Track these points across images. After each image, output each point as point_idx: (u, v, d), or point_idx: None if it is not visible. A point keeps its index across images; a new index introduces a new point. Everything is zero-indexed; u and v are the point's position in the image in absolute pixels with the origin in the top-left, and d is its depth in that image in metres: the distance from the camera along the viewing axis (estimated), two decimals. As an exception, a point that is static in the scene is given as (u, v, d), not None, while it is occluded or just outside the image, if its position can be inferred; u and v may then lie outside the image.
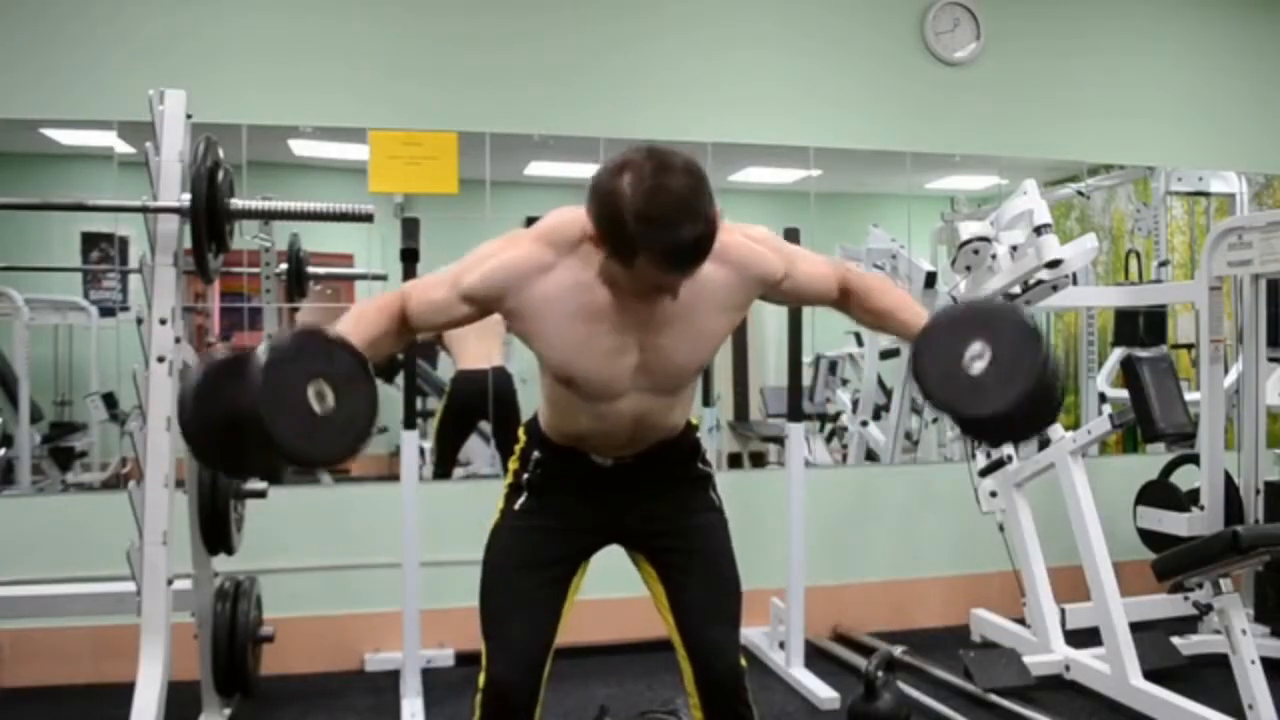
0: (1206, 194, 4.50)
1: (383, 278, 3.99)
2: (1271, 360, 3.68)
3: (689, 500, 1.92)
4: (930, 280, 4.15)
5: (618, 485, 1.86)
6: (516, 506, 1.88)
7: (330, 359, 1.50)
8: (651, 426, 1.81)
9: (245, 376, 1.44)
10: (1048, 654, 3.33)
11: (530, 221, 1.77)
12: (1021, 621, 3.57)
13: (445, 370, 4.21)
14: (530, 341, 1.70)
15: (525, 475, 1.89)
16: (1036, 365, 1.58)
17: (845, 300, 1.84)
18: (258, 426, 1.43)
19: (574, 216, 1.63)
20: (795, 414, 3.47)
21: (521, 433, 1.95)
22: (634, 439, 1.81)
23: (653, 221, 1.46)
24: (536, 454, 1.89)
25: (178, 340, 2.40)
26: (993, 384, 1.58)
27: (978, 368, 1.59)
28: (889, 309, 1.80)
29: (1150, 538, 3.56)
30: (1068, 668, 3.28)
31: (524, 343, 1.73)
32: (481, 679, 1.78)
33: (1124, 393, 3.58)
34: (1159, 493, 3.62)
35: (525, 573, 1.81)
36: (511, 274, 1.64)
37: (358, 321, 1.64)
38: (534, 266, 1.65)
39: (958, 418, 1.68)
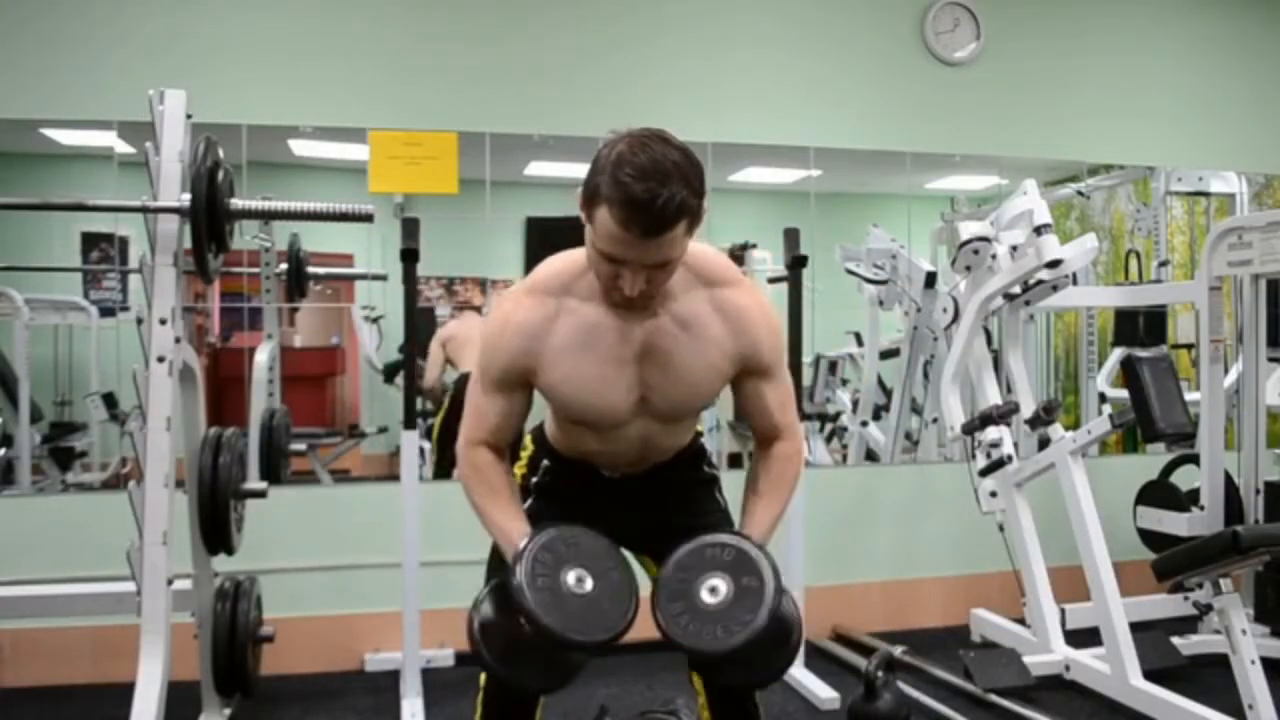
0: (1206, 194, 4.50)
1: (383, 278, 4.00)
2: (1271, 360, 3.68)
3: (695, 503, 1.92)
4: (930, 280, 4.16)
5: (625, 494, 1.87)
6: (523, 510, 1.88)
7: (573, 544, 1.62)
8: (657, 447, 1.82)
9: (512, 601, 1.55)
10: (1048, 654, 3.33)
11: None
12: (1021, 621, 3.57)
13: (446, 372, 4.22)
14: (549, 390, 1.71)
15: (534, 479, 1.90)
16: (771, 604, 1.56)
17: (758, 445, 1.81)
18: (538, 631, 1.53)
19: (560, 261, 1.67)
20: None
21: (529, 440, 1.96)
22: (641, 457, 1.83)
23: (623, 169, 1.47)
24: (545, 462, 1.90)
25: (178, 340, 2.41)
26: (730, 619, 1.56)
27: (712, 602, 1.58)
28: (757, 495, 1.77)
29: (1150, 538, 3.56)
30: (1068, 668, 3.28)
31: (545, 395, 1.74)
32: (483, 679, 1.78)
33: (1124, 393, 3.58)
34: (1159, 493, 3.62)
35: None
36: (526, 338, 1.66)
37: (509, 493, 1.73)
38: (542, 318, 1.66)
39: (688, 651, 1.61)
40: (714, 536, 1.65)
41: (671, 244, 1.52)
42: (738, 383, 1.75)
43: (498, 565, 1.84)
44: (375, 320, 4.27)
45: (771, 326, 1.73)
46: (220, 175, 2.43)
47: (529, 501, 1.88)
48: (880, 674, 2.88)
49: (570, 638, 1.53)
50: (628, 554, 1.93)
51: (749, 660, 1.60)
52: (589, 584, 1.57)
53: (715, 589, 1.58)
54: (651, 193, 1.45)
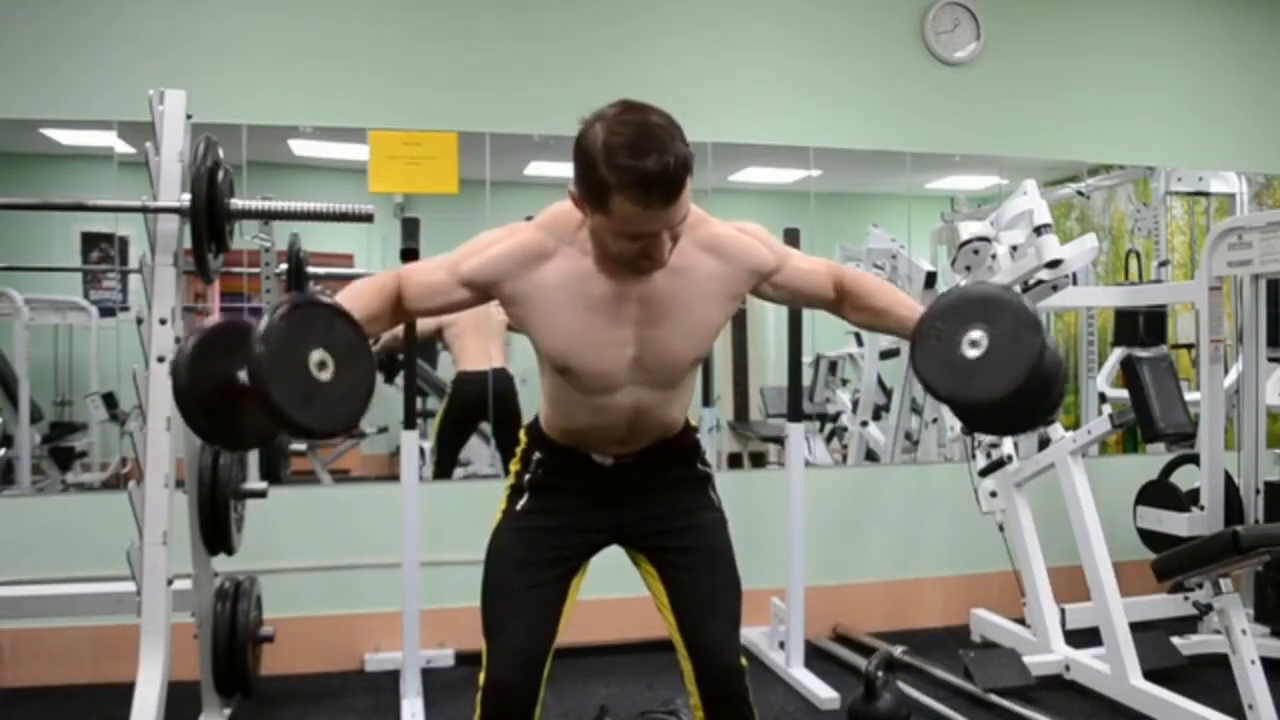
0: (1206, 194, 4.50)
1: (383, 278, 3.98)
2: (1271, 360, 3.68)
3: (689, 500, 1.92)
4: (930, 280, 4.15)
5: (618, 486, 1.86)
6: (518, 507, 1.88)
7: (331, 328, 1.48)
8: (650, 421, 1.81)
9: (244, 343, 1.40)
10: (1048, 654, 3.33)
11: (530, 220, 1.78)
12: (1021, 621, 3.57)
13: (445, 371, 4.21)
14: (527, 328, 1.72)
15: (527, 476, 1.89)
16: (1034, 351, 1.56)
17: (840, 300, 1.85)
18: (257, 394, 1.39)
19: (568, 207, 1.66)
20: (795, 414, 3.47)
21: (523, 435, 1.96)
22: (633, 434, 1.81)
23: (621, 152, 1.48)
24: (538, 455, 1.89)
25: (178, 340, 2.40)
26: (991, 369, 1.57)
27: (975, 354, 1.58)
28: (885, 307, 1.81)
29: (1150, 538, 3.56)
30: (1068, 668, 3.28)
31: (521, 329, 1.74)
32: (482, 679, 1.78)
33: (1124, 393, 3.58)
34: (1159, 493, 3.62)
35: (526, 573, 1.81)
36: (512, 259, 1.66)
37: (355, 297, 1.63)
38: (534, 253, 1.67)
39: (956, 405, 1.66)
40: (967, 289, 1.67)
41: (687, 198, 1.55)
42: (768, 291, 1.79)
43: (497, 562, 1.84)
44: (375, 320, 4.26)
45: (756, 235, 1.77)
46: (220, 175, 2.43)
47: (524, 499, 1.88)
48: (880, 674, 2.88)
49: (289, 415, 1.40)
50: (628, 553, 1.94)
51: (1028, 398, 1.60)
52: (329, 373, 1.45)
53: (976, 341, 1.59)
54: (659, 164, 1.47)
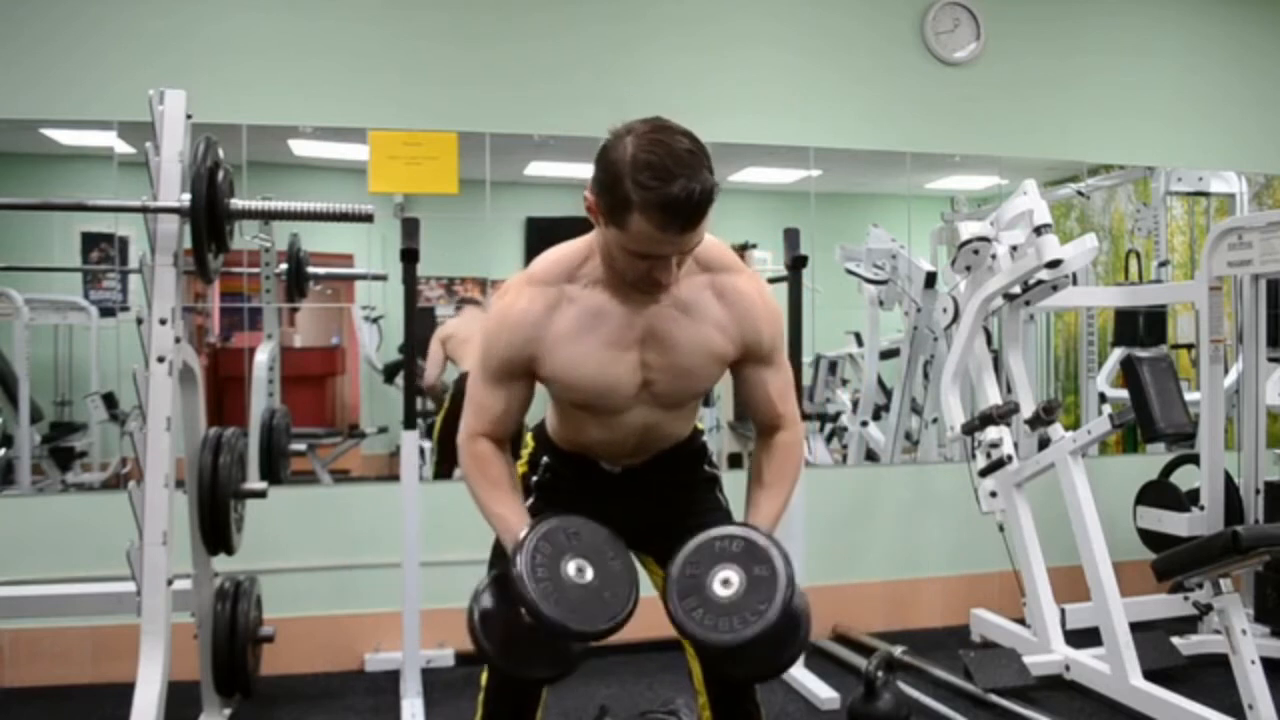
0: (1206, 194, 4.50)
1: (383, 278, 4.00)
2: (1271, 360, 3.68)
3: (696, 502, 1.92)
4: (930, 280, 4.16)
5: (626, 490, 1.86)
6: (523, 502, 1.88)
7: (575, 534, 1.62)
8: (658, 435, 1.82)
9: (512, 588, 1.55)
10: (1048, 654, 3.33)
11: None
12: (1021, 621, 3.57)
13: (447, 371, 4.22)
14: (551, 379, 1.71)
15: (534, 478, 1.90)
16: (784, 593, 1.56)
17: (759, 434, 1.82)
18: (539, 624, 1.54)
19: (559, 252, 1.69)
20: (795, 414, 3.46)
21: (529, 438, 1.96)
22: (641, 447, 1.82)
23: (648, 172, 1.47)
24: (545, 459, 1.90)
25: (178, 340, 2.41)
26: (742, 612, 1.56)
27: (725, 595, 1.57)
28: (763, 486, 1.77)
29: (1150, 538, 3.56)
30: (1068, 668, 3.28)
31: (548, 385, 1.74)
32: (484, 678, 1.78)
33: (1124, 393, 3.58)
34: (1159, 493, 3.62)
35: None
36: (530, 326, 1.66)
37: (509, 486, 1.73)
38: (544, 308, 1.66)
39: (704, 645, 1.61)
40: (721, 529, 1.65)
41: (704, 227, 1.55)
42: (738, 369, 1.76)
43: (499, 561, 1.84)
44: (375, 320, 4.27)
45: (772, 313, 1.74)
46: (220, 175, 2.43)
47: (530, 500, 1.88)
48: (880, 674, 2.88)
49: (570, 627, 1.53)
50: (635, 554, 1.94)
51: (763, 651, 1.60)
52: (589, 574, 1.57)
53: (728, 581, 1.58)
54: (685, 190, 1.47)
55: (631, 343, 1.67)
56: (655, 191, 1.47)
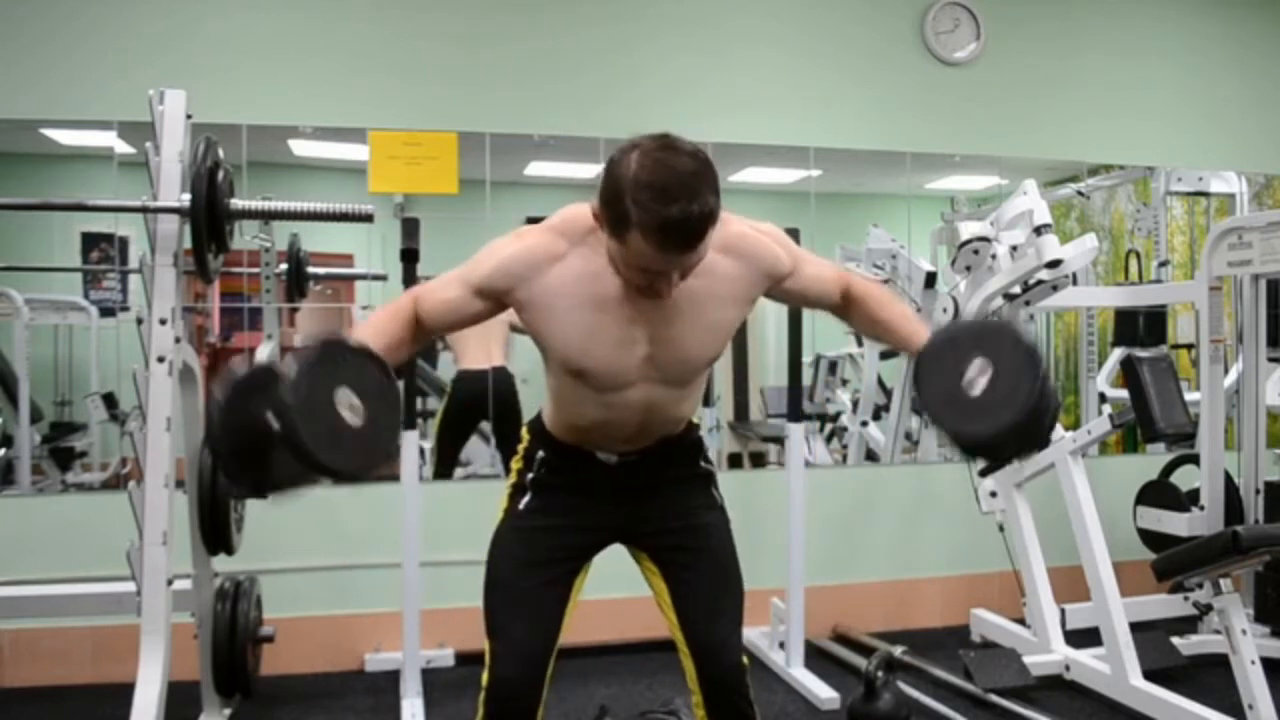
0: (1206, 194, 4.50)
1: (383, 278, 3.99)
2: (1271, 360, 3.68)
3: (692, 499, 1.92)
4: (930, 280, 4.15)
5: (622, 484, 1.86)
6: (520, 506, 1.88)
7: (360, 370, 1.49)
8: (660, 418, 1.81)
9: (273, 389, 1.41)
10: (1048, 654, 3.33)
11: (530, 221, 1.77)
12: (1021, 621, 3.57)
13: (446, 370, 4.21)
14: (540, 332, 1.70)
15: (530, 475, 1.89)
16: (1036, 386, 1.57)
17: (847, 306, 1.85)
18: (289, 441, 1.40)
19: (585, 208, 1.65)
20: (795, 414, 3.47)
21: (525, 432, 1.95)
22: (642, 431, 1.81)
23: (648, 192, 1.47)
24: (541, 453, 1.89)
25: (178, 340, 2.41)
26: (993, 404, 1.58)
27: (979, 387, 1.59)
28: (890, 321, 1.81)
29: (1150, 538, 3.56)
30: (1068, 668, 3.28)
31: (533, 334, 1.72)
32: (485, 678, 1.78)
33: (1124, 393, 3.58)
34: (1159, 493, 3.62)
35: (529, 572, 1.81)
36: (523, 264, 1.65)
37: (376, 331, 1.65)
38: (545, 256, 1.65)
39: (958, 438, 1.65)
40: (970, 321, 1.68)
41: (705, 246, 1.55)
42: (780, 293, 1.79)
43: (498, 561, 1.84)
44: (375, 320, 4.26)
45: (773, 236, 1.77)
46: (220, 175, 2.43)
47: (526, 498, 1.87)
48: (880, 674, 2.89)
49: (321, 460, 1.43)
50: (630, 551, 1.94)
51: (1020, 432, 1.61)
52: (359, 418, 1.46)
53: (979, 373, 1.60)
54: (684, 212, 1.46)
55: (637, 317, 1.66)
56: (653, 213, 1.46)
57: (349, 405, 1.46)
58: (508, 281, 1.65)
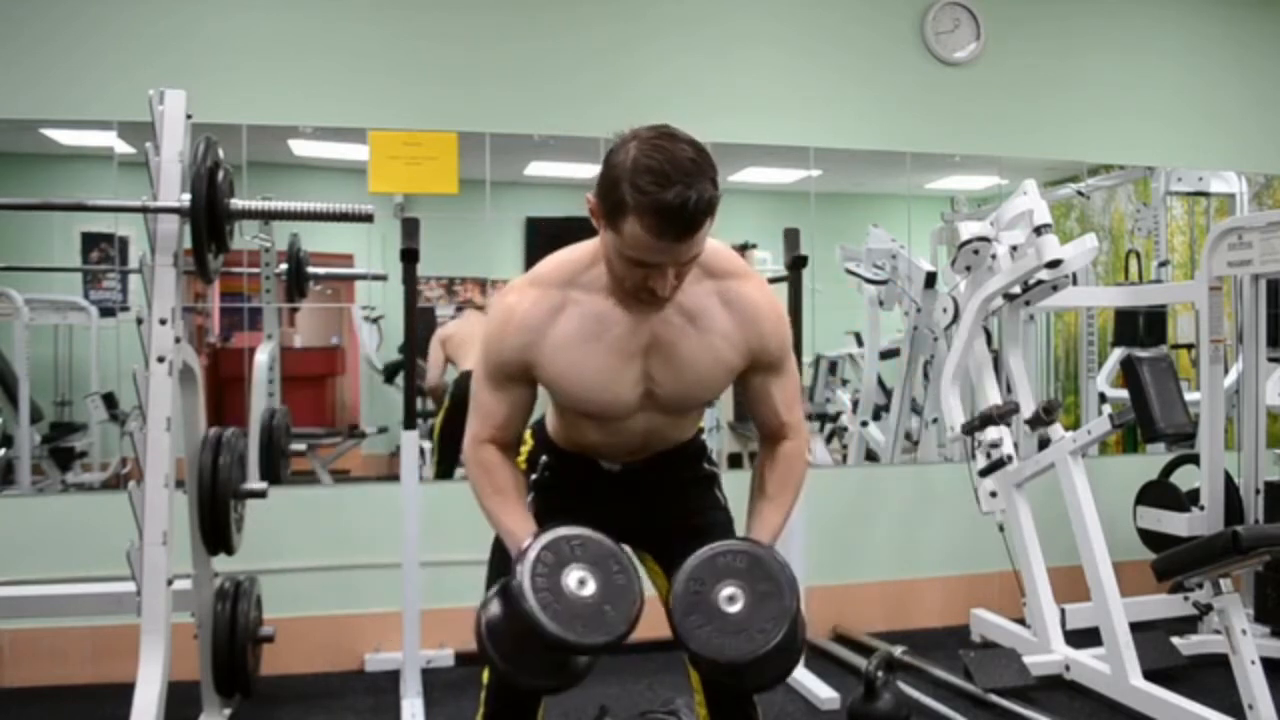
0: (1206, 194, 4.51)
1: (383, 278, 4.00)
2: (1271, 360, 3.68)
3: (695, 499, 1.92)
4: (930, 280, 4.16)
5: (625, 488, 1.86)
6: (529, 509, 1.88)
7: (581, 546, 1.59)
8: (661, 438, 1.82)
9: (515, 604, 1.52)
10: (1048, 654, 3.33)
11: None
12: (1021, 621, 3.57)
13: (446, 371, 4.22)
14: (552, 384, 1.70)
15: (533, 476, 1.89)
16: (789, 614, 1.57)
17: (765, 444, 1.81)
18: (546, 639, 1.51)
19: (564, 255, 1.67)
20: (795, 414, 3.46)
21: (528, 436, 1.95)
22: (643, 447, 1.82)
23: (646, 176, 1.46)
24: (544, 458, 1.89)
25: (178, 340, 2.41)
26: (751, 626, 1.56)
27: (733, 610, 1.57)
28: (763, 494, 1.76)
29: (1150, 538, 3.56)
30: (1068, 668, 3.28)
31: (548, 388, 1.72)
32: (486, 678, 1.78)
33: (1124, 393, 3.58)
34: (1159, 493, 3.62)
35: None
36: (528, 329, 1.64)
37: (514, 491, 1.72)
38: (546, 311, 1.65)
39: (710, 663, 1.61)
40: (724, 544, 1.64)
41: (701, 239, 1.53)
42: (744, 378, 1.74)
43: (499, 564, 1.84)
44: (375, 320, 4.27)
45: (779, 320, 1.73)
46: (220, 175, 2.44)
47: (529, 498, 1.87)
48: (880, 674, 2.88)
49: (567, 639, 1.52)
50: (629, 550, 1.94)
51: (766, 665, 1.60)
52: (591, 586, 1.56)
53: (733, 598, 1.57)
54: (680, 197, 1.45)
55: (635, 352, 1.66)
56: (651, 196, 1.45)
57: (580, 580, 1.56)
58: (526, 354, 1.65)
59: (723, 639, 1.55)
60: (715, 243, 1.69)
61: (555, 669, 1.66)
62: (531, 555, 1.55)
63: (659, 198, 1.45)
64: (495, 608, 1.63)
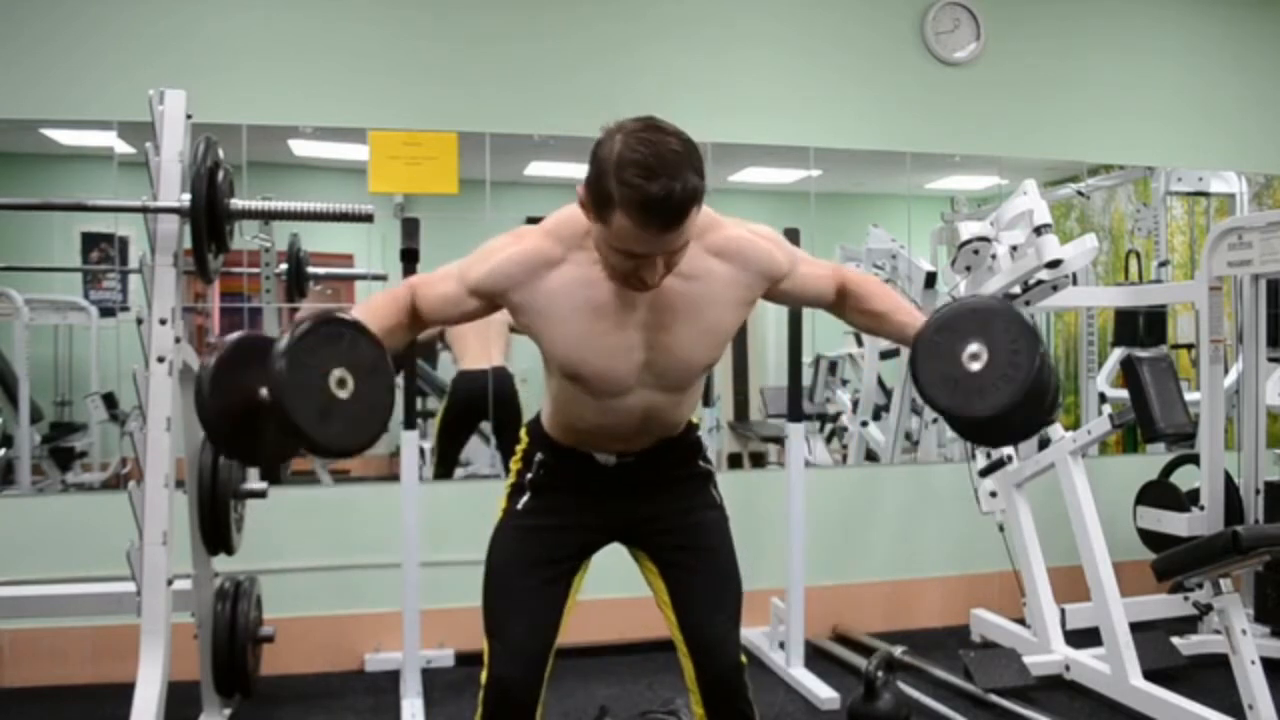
0: (1206, 194, 4.50)
1: (383, 278, 3.99)
2: (1271, 360, 3.68)
3: (691, 498, 1.92)
4: (930, 280, 4.15)
5: (620, 484, 1.86)
6: (519, 506, 1.88)
7: (354, 346, 1.49)
8: (658, 422, 1.81)
9: (266, 360, 1.41)
10: (1048, 654, 3.33)
11: (530, 221, 1.77)
12: (1021, 621, 3.57)
13: (445, 370, 4.22)
14: (536, 336, 1.71)
15: (528, 475, 1.89)
16: (1034, 363, 1.57)
17: (842, 302, 1.86)
18: (277, 411, 1.40)
19: (579, 210, 1.64)
20: (795, 414, 3.47)
21: (524, 433, 1.95)
22: (640, 434, 1.81)
23: (631, 169, 1.47)
24: (539, 455, 1.89)
25: (178, 340, 2.41)
26: (991, 384, 1.58)
27: (975, 368, 1.59)
28: (885, 311, 1.82)
29: (1150, 538, 3.56)
30: (1068, 668, 3.28)
31: (530, 337, 1.73)
32: (484, 677, 1.78)
33: (1124, 393, 3.58)
34: (1159, 493, 3.62)
35: (528, 572, 1.81)
36: (519, 267, 1.65)
37: (372, 312, 1.65)
38: (542, 260, 1.66)
39: (956, 420, 1.67)
40: (964, 302, 1.68)
41: (688, 229, 1.54)
42: (775, 295, 1.80)
43: (497, 558, 1.84)
44: (375, 320, 4.26)
45: (769, 238, 1.77)
46: (220, 175, 2.43)
47: (525, 498, 1.88)
48: (880, 674, 2.88)
49: (306, 431, 1.42)
50: (629, 550, 1.94)
51: (1015, 417, 1.62)
52: (350, 388, 1.47)
53: (976, 354, 1.61)
54: (666, 188, 1.46)
55: (634, 323, 1.66)
56: (636, 190, 1.46)
57: (340, 381, 1.45)
58: (503, 284, 1.66)
59: (966, 397, 1.60)
60: None
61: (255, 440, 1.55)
62: (304, 328, 1.46)
63: (644, 190, 1.46)
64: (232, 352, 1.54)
